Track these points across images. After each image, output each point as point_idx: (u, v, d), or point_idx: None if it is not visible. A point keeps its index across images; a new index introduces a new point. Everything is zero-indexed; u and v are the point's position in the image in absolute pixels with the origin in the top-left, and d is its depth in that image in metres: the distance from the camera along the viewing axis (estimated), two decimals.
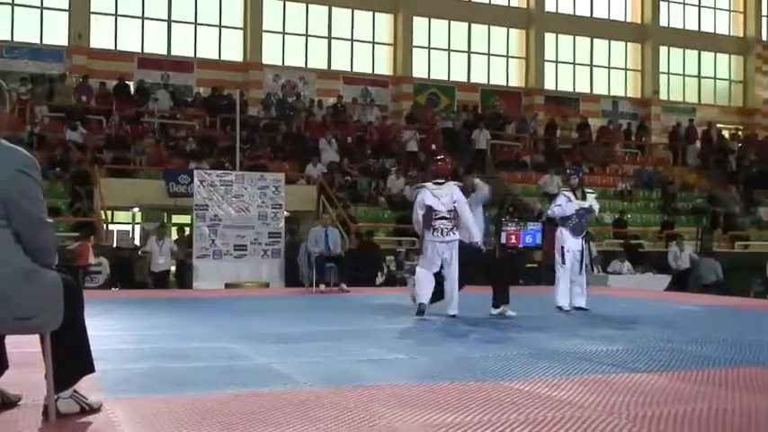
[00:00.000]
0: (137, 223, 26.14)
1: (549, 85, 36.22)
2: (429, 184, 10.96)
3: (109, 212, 22.10)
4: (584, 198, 12.18)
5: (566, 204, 12.07)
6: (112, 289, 17.88)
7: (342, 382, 6.04)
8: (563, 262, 12.00)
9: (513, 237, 17.00)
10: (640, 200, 28.82)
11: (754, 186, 30.40)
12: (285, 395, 5.57)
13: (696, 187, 30.67)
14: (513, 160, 29.19)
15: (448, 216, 10.74)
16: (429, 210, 10.80)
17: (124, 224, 26.61)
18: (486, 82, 35.32)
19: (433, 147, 26.95)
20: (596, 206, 12.37)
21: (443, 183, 10.89)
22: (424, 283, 10.87)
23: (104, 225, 20.31)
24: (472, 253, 10.91)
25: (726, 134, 36.41)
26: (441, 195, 10.76)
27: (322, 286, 16.59)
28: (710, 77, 39.42)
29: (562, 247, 12.03)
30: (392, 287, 18.14)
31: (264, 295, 15.88)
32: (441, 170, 11.14)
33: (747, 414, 5.08)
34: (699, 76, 39.04)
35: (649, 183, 29.89)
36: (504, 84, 35.74)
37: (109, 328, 9.41)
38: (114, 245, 21.02)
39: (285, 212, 19.63)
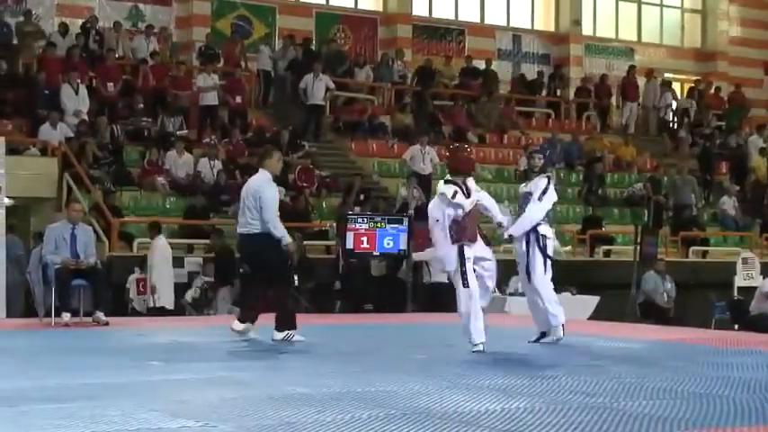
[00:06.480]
0: None
1: (419, 9, 32.46)
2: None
3: None
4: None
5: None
6: None
7: None
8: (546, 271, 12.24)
9: (366, 239, 16.87)
10: None
11: (718, 165, 29.44)
12: None
13: (635, 166, 29.14)
14: (363, 123, 27.24)
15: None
16: None
17: None
18: (323, 1, 31.19)
19: (238, 99, 24.57)
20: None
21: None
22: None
23: None
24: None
25: (677, 88, 34.10)
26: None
27: (66, 316, 15.14)
28: (655, 3, 36.63)
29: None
30: (178, 317, 17.63)
31: None
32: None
33: None
34: (639, 2, 36.25)
35: (566, 159, 28.30)
36: (352, 5, 31.70)
37: None
38: None
39: (6, 199, 18.63)
